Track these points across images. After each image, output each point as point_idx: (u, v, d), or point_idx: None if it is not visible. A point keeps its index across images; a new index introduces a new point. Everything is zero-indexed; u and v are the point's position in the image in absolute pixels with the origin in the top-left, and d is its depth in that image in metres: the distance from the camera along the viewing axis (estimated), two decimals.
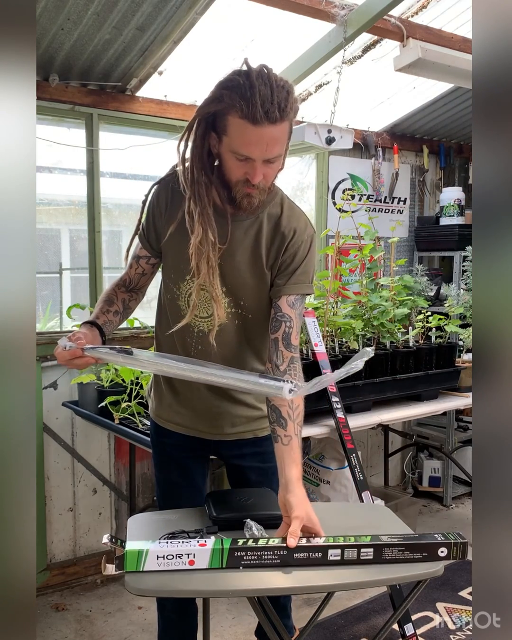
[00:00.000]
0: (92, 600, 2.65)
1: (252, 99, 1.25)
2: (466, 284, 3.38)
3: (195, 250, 1.39)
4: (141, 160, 2.84)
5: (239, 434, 1.64)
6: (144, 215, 1.55)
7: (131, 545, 1.25)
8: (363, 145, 3.54)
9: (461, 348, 3.12)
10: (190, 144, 1.39)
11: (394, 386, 2.70)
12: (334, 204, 3.47)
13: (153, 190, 1.53)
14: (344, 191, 3.45)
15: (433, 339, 2.87)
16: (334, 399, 2.38)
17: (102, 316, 1.50)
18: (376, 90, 3.21)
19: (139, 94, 2.74)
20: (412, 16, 2.76)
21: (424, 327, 2.86)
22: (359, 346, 2.67)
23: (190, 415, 1.63)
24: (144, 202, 1.54)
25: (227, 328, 1.52)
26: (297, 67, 2.77)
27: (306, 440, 2.80)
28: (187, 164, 1.42)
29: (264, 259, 1.50)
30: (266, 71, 1.29)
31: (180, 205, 1.46)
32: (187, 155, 1.42)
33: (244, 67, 1.30)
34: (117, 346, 1.31)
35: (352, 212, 3.34)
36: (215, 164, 1.43)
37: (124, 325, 2.64)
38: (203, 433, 1.64)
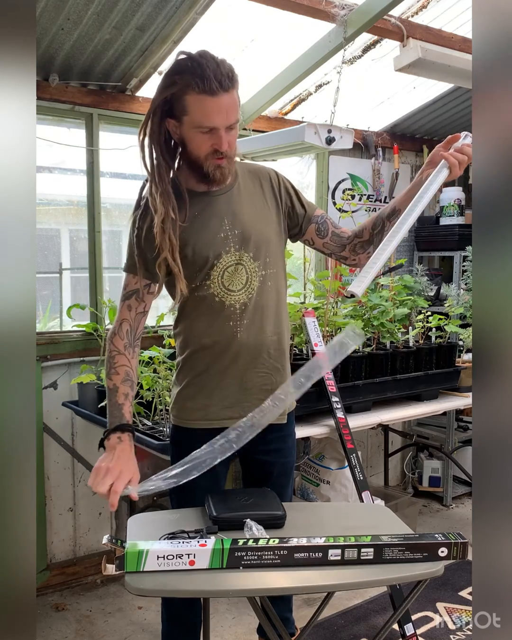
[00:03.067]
0: (92, 600, 2.65)
1: (204, 74, 1.38)
2: (466, 284, 3.38)
3: (158, 229, 1.48)
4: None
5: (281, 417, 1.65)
6: (136, 249, 1.57)
7: (131, 545, 1.25)
8: (363, 145, 3.54)
9: (461, 348, 3.12)
10: (148, 132, 1.53)
11: (394, 386, 2.70)
12: (334, 204, 3.47)
13: (138, 219, 1.58)
14: (344, 191, 3.45)
15: (433, 339, 2.88)
16: (334, 399, 2.38)
17: (128, 406, 1.56)
18: (376, 90, 3.21)
19: (139, 94, 2.74)
20: (412, 16, 2.76)
21: (424, 327, 2.86)
22: (359, 346, 2.67)
23: (238, 401, 1.62)
24: (131, 234, 1.59)
25: (264, 290, 1.60)
26: (297, 67, 2.76)
27: (306, 440, 2.80)
28: (146, 151, 1.55)
29: (270, 205, 1.65)
30: (204, 51, 1.42)
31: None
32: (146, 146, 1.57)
33: (183, 55, 1.44)
34: (162, 477, 1.40)
35: (353, 212, 3.34)
36: (178, 151, 1.57)
37: None
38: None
